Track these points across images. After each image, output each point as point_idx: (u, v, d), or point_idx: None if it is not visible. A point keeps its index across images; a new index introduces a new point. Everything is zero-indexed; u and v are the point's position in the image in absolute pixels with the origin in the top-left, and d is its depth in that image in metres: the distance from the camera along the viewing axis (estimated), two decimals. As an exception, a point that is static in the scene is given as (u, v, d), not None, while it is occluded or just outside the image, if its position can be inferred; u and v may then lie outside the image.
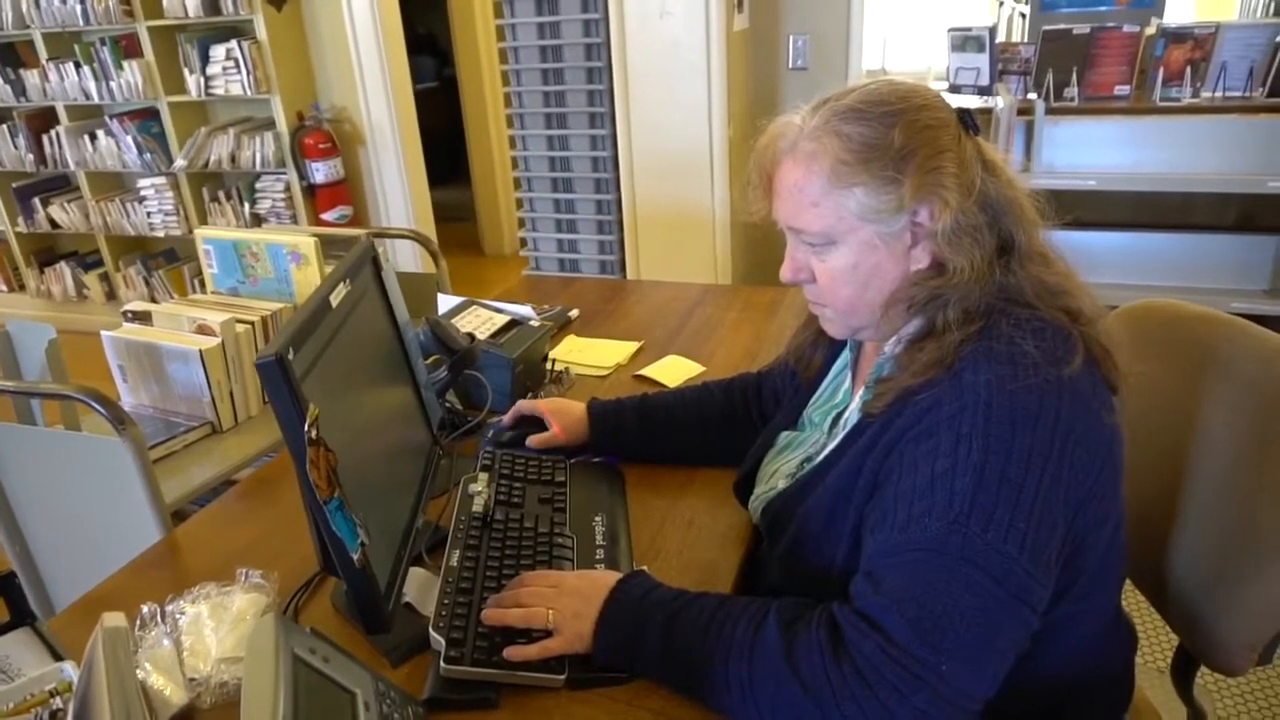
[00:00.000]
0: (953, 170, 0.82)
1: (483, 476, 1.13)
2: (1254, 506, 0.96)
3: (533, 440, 1.26)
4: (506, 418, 1.30)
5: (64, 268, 4.51)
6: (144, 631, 0.94)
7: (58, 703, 0.78)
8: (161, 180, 4.04)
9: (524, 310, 1.64)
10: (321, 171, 3.77)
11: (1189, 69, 2.85)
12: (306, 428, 0.75)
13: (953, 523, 0.75)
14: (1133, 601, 1.12)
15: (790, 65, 3.16)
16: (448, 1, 4.89)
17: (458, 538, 1.02)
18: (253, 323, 1.64)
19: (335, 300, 0.92)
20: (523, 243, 3.23)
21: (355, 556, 0.81)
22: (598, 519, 1.12)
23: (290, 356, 0.76)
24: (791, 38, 3.11)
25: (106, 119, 4.00)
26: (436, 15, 5.35)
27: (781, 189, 0.89)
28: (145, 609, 0.97)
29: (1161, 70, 2.87)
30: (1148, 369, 1.09)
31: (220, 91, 3.75)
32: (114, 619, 0.68)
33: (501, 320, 1.53)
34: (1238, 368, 1.05)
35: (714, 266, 2.80)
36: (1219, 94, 2.80)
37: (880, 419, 0.85)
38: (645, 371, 1.55)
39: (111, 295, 4.46)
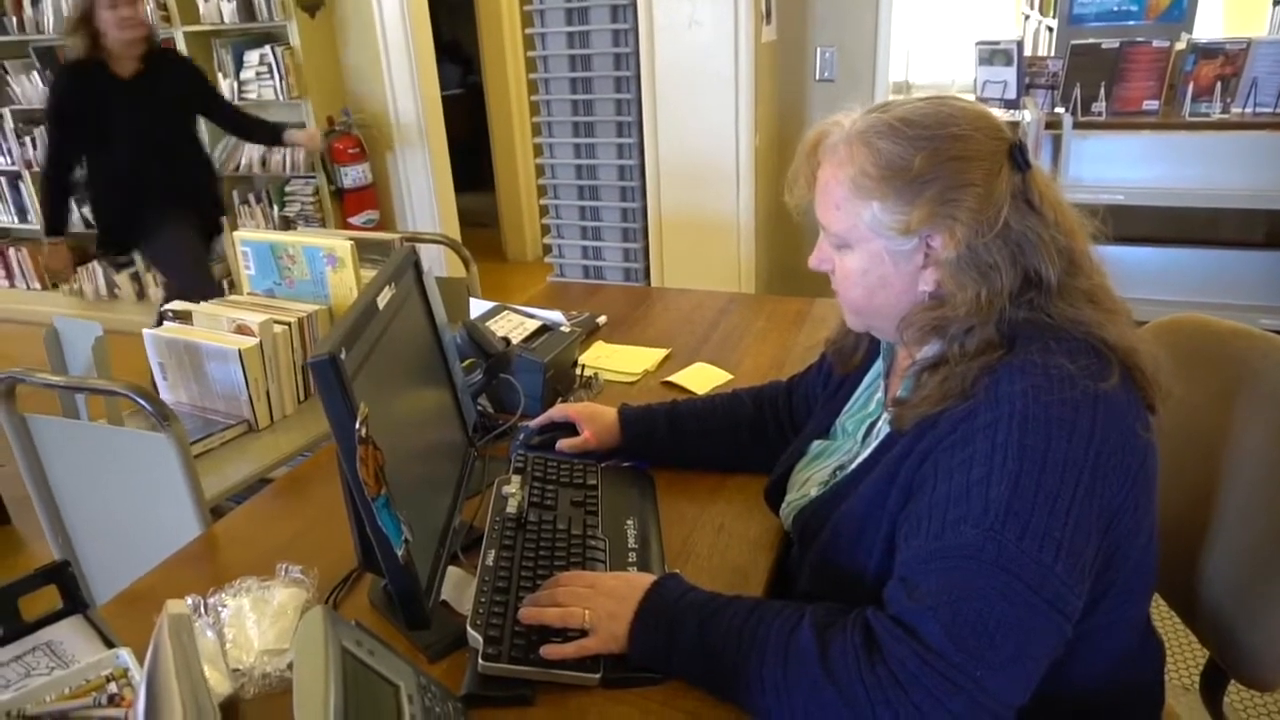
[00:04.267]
0: (971, 205, 0.83)
1: (516, 479, 1.15)
2: (1287, 522, 0.97)
3: (564, 444, 1.28)
4: (538, 421, 1.32)
5: (96, 267, 4.58)
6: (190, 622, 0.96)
7: (113, 688, 0.81)
8: (193, 182, 4.09)
9: (555, 316, 1.66)
10: (350, 176, 3.83)
11: (1219, 84, 2.84)
12: (358, 425, 0.77)
13: (988, 530, 0.76)
14: (1158, 616, 1.12)
15: (817, 76, 3.18)
16: (475, 9, 4.94)
17: (493, 538, 1.04)
18: (289, 324, 1.67)
19: (382, 303, 0.95)
20: (547, 249, 3.26)
21: (400, 553, 0.83)
22: (629, 522, 1.14)
23: (343, 356, 0.78)
24: (819, 49, 3.13)
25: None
26: (463, 23, 5.41)
27: (818, 184, 0.93)
28: (188, 601, 1.00)
29: (1191, 85, 2.86)
30: (1180, 381, 1.10)
31: (253, 96, 3.81)
32: (177, 605, 0.71)
33: (533, 325, 1.55)
34: (1271, 382, 1.05)
35: (738, 275, 2.82)
36: (1249, 110, 2.79)
37: (914, 429, 0.86)
38: (673, 378, 1.57)
39: (142, 295, 4.53)
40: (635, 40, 2.72)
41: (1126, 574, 0.85)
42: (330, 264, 1.71)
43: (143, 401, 1.37)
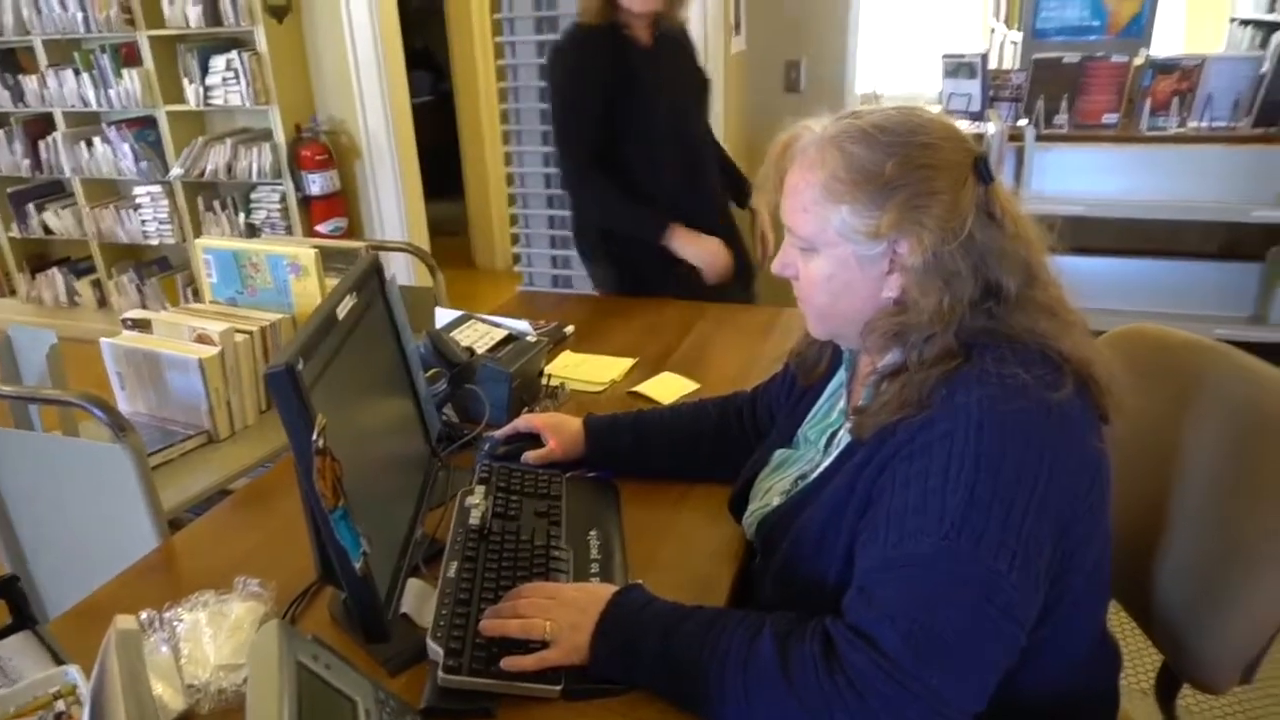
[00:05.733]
0: (938, 213, 0.84)
1: (480, 489, 1.14)
2: (1237, 529, 0.99)
3: (529, 455, 1.28)
4: (503, 432, 1.31)
5: (56, 274, 4.50)
6: (142, 639, 0.94)
7: (61, 705, 0.79)
8: (157, 188, 4.04)
9: (521, 325, 1.66)
10: (317, 183, 3.79)
11: (1176, 99, 2.90)
12: (315, 437, 0.76)
13: (944, 539, 0.77)
14: (1117, 623, 1.14)
15: (786, 87, 3.21)
16: (446, 18, 4.93)
17: (455, 549, 1.03)
18: (251, 333, 1.65)
19: (342, 312, 0.94)
20: (516, 258, 3.25)
21: (358, 565, 0.83)
22: (593, 533, 1.13)
23: (300, 366, 0.77)
24: (788, 60, 3.16)
25: (104, 126, 4.01)
26: (434, 31, 5.39)
27: (787, 186, 0.93)
28: (143, 616, 0.98)
29: (1149, 100, 2.92)
30: (1134, 391, 1.12)
31: (219, 102, 3.77)
32: (126, 621, 0.69)
33: (499, 335, 1.55)
34: (1223, 393, 1.07)
35: (707, 285, 2.83)
36: (1205, 124, 2.86)
37: (874, 438, 0.87)
38: (640, 388, 1.57)
39: (103, 302, 4.46)
40: (605, 50, 2.72)
41: (1081, 582, 0.87)
42: (294, 272, 1.69)
43: (99, 412, 1.35)
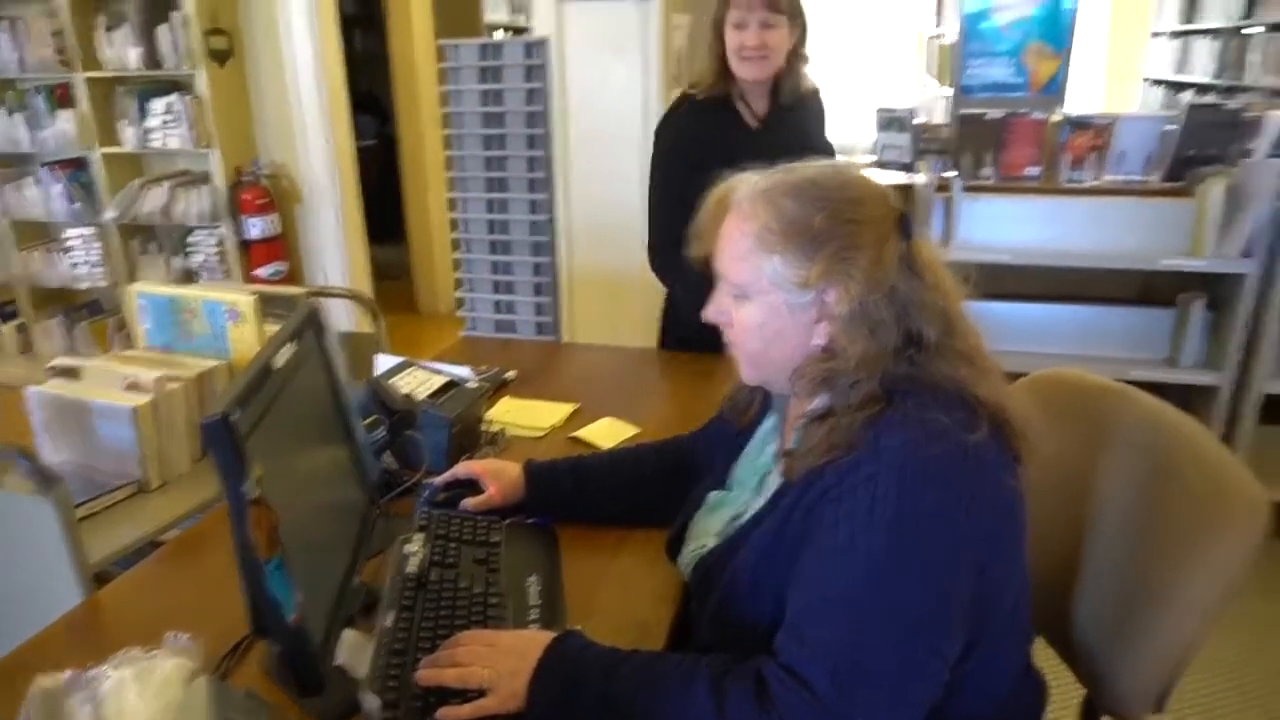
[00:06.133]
0: (864, 265, 0.88)
1: (418, 537, 1.14)
2: (1146, 566, 1.04)
3: (468, 502, 1.28)
4: (442, 479, 1.31)
5: (-24, 318, 4.36)
6: (64, 699, 0.92)
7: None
8: (90, 231, 3.96)
9: (462, 371, 1.66)
10: (257, 227, 3.76)
11: (1093, 154, 3.06)
12: (250, 487, 0.76)
13: (868, 578, 0.80)
14: (1045, 658, 1.18)
15: (725, 138, 3.29)
16: (390, 62, 4.96)
17: (392, 598, 1.03)
18: (186, 380, 1.62)
19: (280, 362, 0.94)
20: (459, 303, 3.25)
21: (291, 617, 0.82)
22: (532, 579, 1.14)
23: (235, 417, 0.77)
24: (726, 112, 3.25)
25: (37, 166, 3.93)
26: (379, 74, 5.42)
27: (722, 236, 0.97)
28: (66, 675, 0.95)
29: (1068, 154, 3.08)
30: (1051, 433, 1.17)
31: (159, 144, 3.72)
32: (48, 681, 0.68)
33: (439, 381, 1.55)
34: (1131, 436, 1.13)
35: (648, 331, 2.86)
36: (1119, 177, 3.02)
37: (802, 480, 0.90)
38: (580, 433, 1.58)
39: (28, 347, 4.31)
40: (548, 99, 2.78)
41: (1001, 618, 0.90)
42: (232, 319, 1.67)
43: (22, 462, 1.31)
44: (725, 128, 1.93)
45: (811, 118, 2.08)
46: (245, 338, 1.67)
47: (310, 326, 1.10)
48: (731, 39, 1.87)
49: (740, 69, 1.89)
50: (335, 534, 1.07)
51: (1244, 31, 5.08)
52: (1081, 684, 1.14)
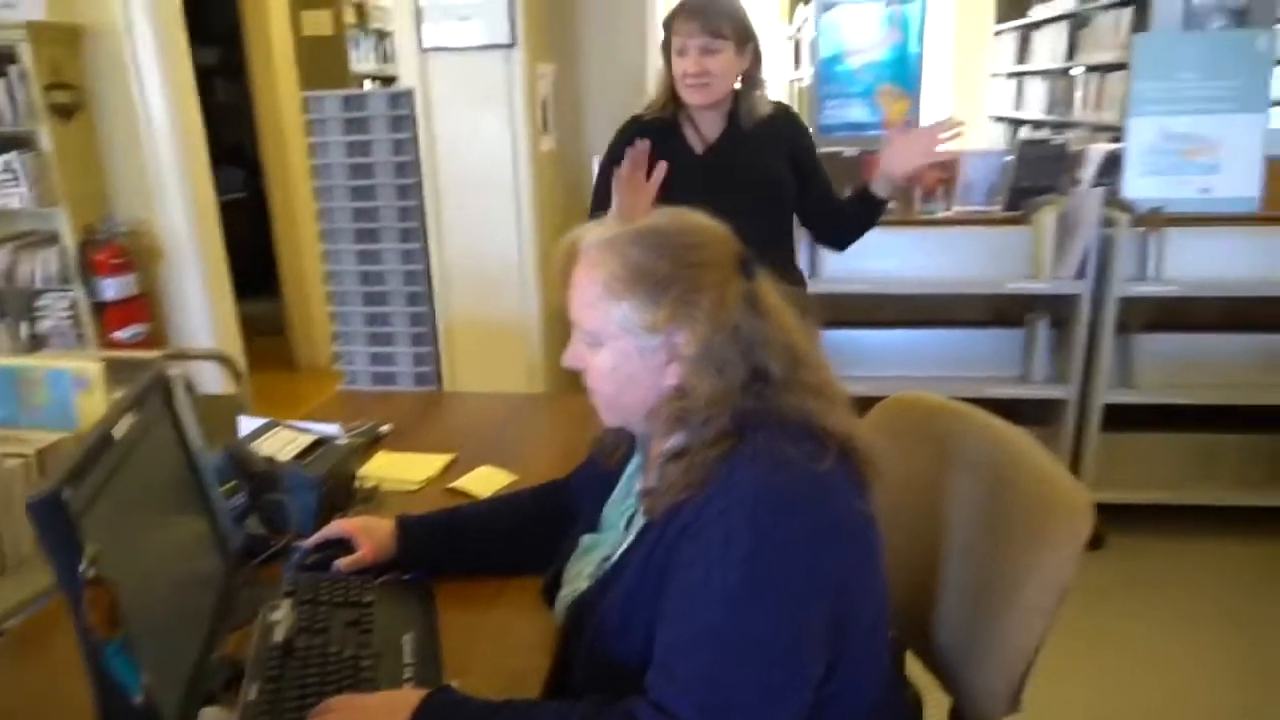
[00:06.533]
0: (707, 306, 0.92)
1: (285, 603, 1.10)
2: (990, 573, 1.11)
3: (341, 563, 1.24)
4: (311, 541, 1.27)
5: None
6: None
7: None
8: (-79, 299, 3.66)
9: (331, 429, 1.62)
10: (113, 288, 3.56)
11: (942, 187, 3.27)
12: (84, 568, 0.73)
13: (728, 610, 0.82)
14: (918, 671, 1.24)
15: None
16: (255, 115, 4.84)
17: (256, 670, 0.99)
18: (27, 456, 1.53)
19: (120, 432, 0.90)
20: (336, 357, 3.17)
21: (138, 699, 0.78)
22: (407, 637, 1.11)
23: (65, 495, 0.74)
24: (595, 158, 3.31)
25: None
26: (246, 126, 5.27)
27: (572, 285, 1.00)
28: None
29: (919, 187, 3.28)
30: (903, 454, 1.24)
31: (-3, 205, 3.49)
32: None
33: (307, 440, 1.51)
34: (973, 452, 1.21)
35: (529, 376, 2.87)
36: (967, 208, 3.23)
37: (663, 518, 0.93)
38: (457, 484, 1.57)
39: None
40: (417, 149, 2.77)
41: (861, 636, 0.94)
42: (78, 388, 1.59)
43: None
44: (666, 151, 1.89)
45: (775, 142, 2.05)
46: (93, 407, 1.59)
47: (156, 392, 1.06)
48: (675, 65, 1.91)
49: (685, 95, 1.94)
50: (191, 607, 1.03)
51: (1070, 72, 5.55)
52: (945, 693, 1.20)
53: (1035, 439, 1.16)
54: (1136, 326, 2.91)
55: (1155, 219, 2.77)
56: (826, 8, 4.43)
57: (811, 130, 4.56)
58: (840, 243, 2.30)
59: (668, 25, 1.92)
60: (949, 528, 1.20)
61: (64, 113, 3.46)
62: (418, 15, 2.59)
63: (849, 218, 2.19)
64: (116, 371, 1.67)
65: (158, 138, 3.51)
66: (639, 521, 1.02)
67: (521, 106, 2.64)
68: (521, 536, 1.29)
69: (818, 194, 2.14)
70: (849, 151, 3.42)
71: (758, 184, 2.03)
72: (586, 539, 1.14)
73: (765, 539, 0.84)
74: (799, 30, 5.94)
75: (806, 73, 5.08)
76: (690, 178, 1.87)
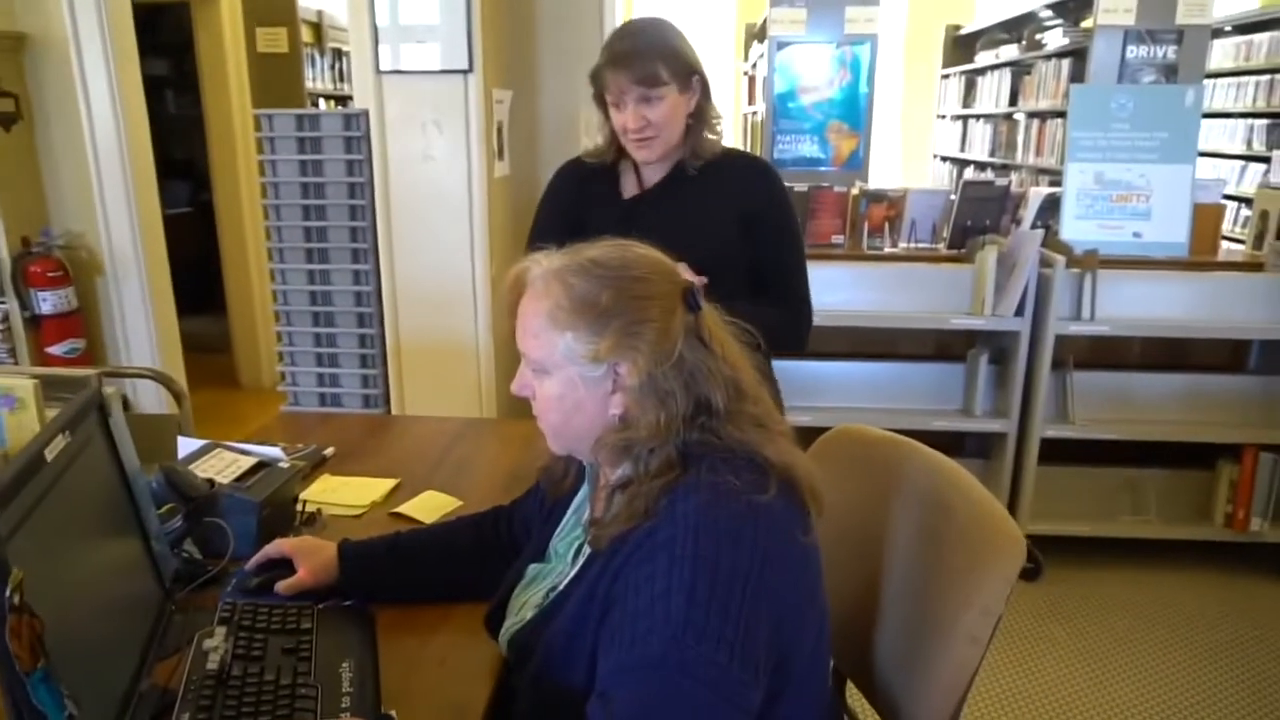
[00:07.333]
0: (650, 338, 0.94)
1: (220, 630, 1.08)
2: (928, 600, 1.13)
3: (280, 586, 1.22)
4: (254, 561, 1.25)
5: None
6: None
7: None
8: None
9: (273, 451, 1.60)
10: (49, 301, 3.46)
11: (887, 223, 3.36)
12: (8, 594, 0.71)
13: (670, 639, 0.83)
14: (858, 700, 1.26)
15: (551, 208, 3.36)
16: (205, 129, 4.77)
17: (188, 700, 0.96)
18: (-49, 474, 1.47)
19: (51, 454, 0.88)
20: (282, 377, 3.12)
21: (61, 731, 0.76)
22: (345, 665, 1.10)
23: (-9, 518, 0.72)
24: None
25: None
26: (196, 141, 5.18)
27: (519, 315, 1.01)
28: None
29: (866, 224, 3.36)
30: (845, 485, 1.27)
31: (-73, 214, 3.38)
32: None
33: (248, 463, 1.48)
34: (913, 484, 1.24)
35: (479, 399, 2.85)
36: (912, 245, 3.32)
37: (608, 547, 0.93)
38: (401, 509, 1.55)
39: None
40: (370, 170, 2.76)
41: (802, 664, 0.96)
42: (7, 406, 1.53)
43: None
44: (593, 197, 1.79)
45: (722, 194, 1.75)
46: (24, 427, 1.53)
47: (90, 412, 1.04)
48: (614, 118, 1.69)
49: (631, 151, 1.72)
50: (121, 634, 1.00)
51: (1012, 116, 5.75)
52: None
53: (976, 471, 1.19)
54: (1072, 364, 3.00)
55: (1090, 261, 2.88)
56: (781, 46, 4.55)
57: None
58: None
59: (596, 77, 1.69)
60: (888, 558, 1.23)
61: (4, 123, 3.38)
62: (375, 37, 2.59)
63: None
64: (51, 389, 1.62)
65: (102, 149, 3.43)
66: (586, 551, 1.02)
67: (477, 131, 2.65)
68: (464, 564, 1.28)
69: (763, 272, 1.80)
70: (800, 187, 3.49)
71: (682, 238, 1.47)
72: (533, 569, 1.14)
73: (706, 568, 0.85)
74: (754, 66, 6.07)
75: (761, 107, 5.18)
76: (606, 226, 1.39)
